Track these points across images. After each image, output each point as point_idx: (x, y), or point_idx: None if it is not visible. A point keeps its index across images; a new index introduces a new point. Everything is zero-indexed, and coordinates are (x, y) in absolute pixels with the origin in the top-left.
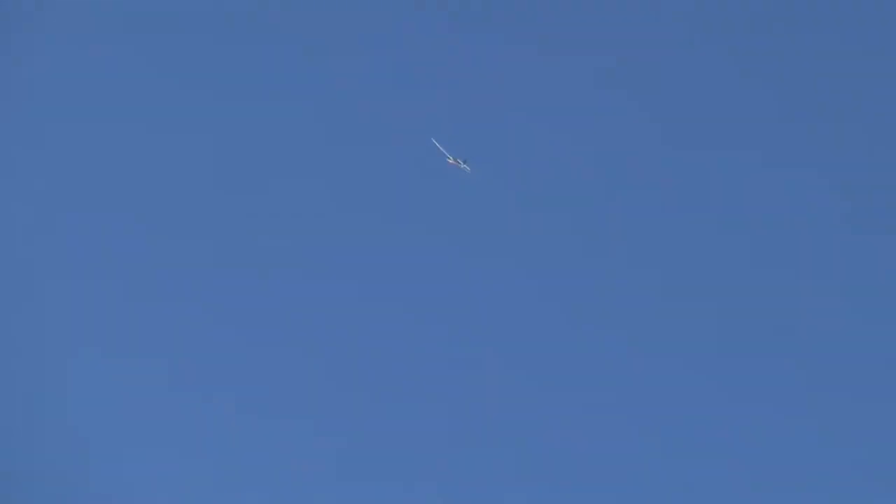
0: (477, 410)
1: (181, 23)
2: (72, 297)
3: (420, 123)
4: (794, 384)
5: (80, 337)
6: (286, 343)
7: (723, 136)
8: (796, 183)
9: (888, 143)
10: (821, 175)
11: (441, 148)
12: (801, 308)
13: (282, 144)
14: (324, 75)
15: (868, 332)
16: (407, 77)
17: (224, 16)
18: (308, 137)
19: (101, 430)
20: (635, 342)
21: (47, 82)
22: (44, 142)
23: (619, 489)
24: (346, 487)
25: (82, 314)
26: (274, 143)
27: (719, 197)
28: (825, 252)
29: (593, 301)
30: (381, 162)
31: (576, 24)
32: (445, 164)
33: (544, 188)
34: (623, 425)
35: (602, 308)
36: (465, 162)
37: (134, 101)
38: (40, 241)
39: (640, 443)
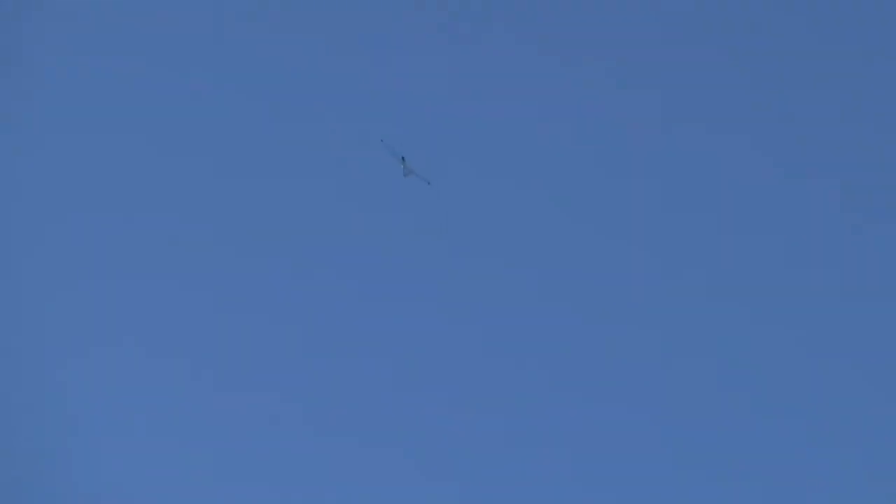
0: (479, 410)
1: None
2: (68, 297)
3: (418, 127)
4: (789, 386)
5: (78, 337)
6: (286, 343)
7: (722, 137)
8: (797, 182)
9: (890, 143)
10: (823, 175)
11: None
12: (801, 310)
13: (271, 148)
14: (320, 78)
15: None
16: (404, 78)
17: (222, 18)
18: (302, 140)
19: (97, 430)
20: (637, 342)
21: (46, 82)
22: (40, 141)
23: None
24: (348, 488)
25: (80, 314)
26: (263, 146)
27: (719, 197)
28: (827, 251)
29: (594, 300)
30: (377, 167)
31: (573, 23)
32: (444, 164)
33: (540, 188)
34: (625, 428)
35: (602, 307)
36: (407, 167)
37: (131, 100)
38: (37, 240)
39: (643, 446)
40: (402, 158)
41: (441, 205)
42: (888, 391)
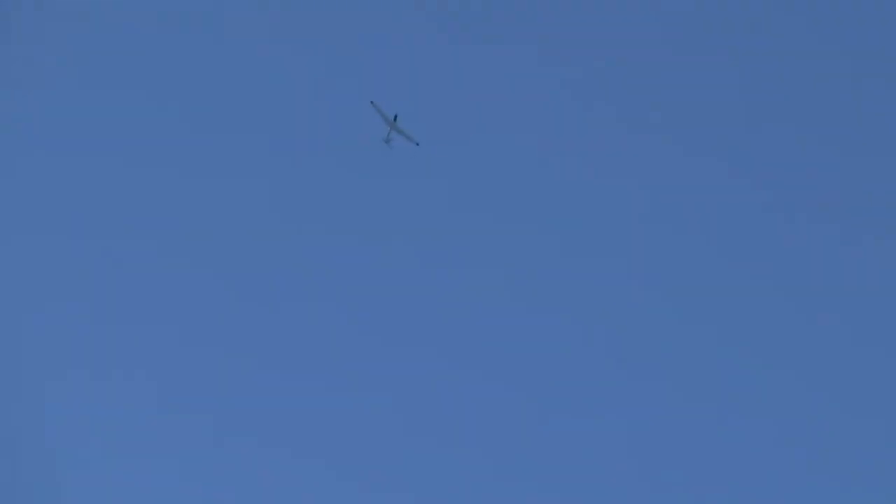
0: (462, 417)
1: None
2: (51, 315)
3: (419, 127)
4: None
5: (60, 357)
6: (270, 354)
7: (719, 139)
8: (791, 186)
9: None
10: (821, 180)
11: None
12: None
13: (267, 149)
14: (320, 78)
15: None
16: (402, 80)
17: (223, 18)
18: (299, 141)
19: (79, 450)
20: (627, 346)
21: (46, 82)
22: (40, 141)
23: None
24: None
25: (62, 333)
26: (261, 149)
27: (717, 200)
28: (821, 256)
29: (585, 305)
30: (376, 167)
31: (568, 26)
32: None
33: (535, 193)
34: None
35: (592, 313)
36: (390, 135)
37: (130, 101)
38: (36, 239)
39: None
40: (395, 117)
41: (430, 203)
42: (884, 393)
